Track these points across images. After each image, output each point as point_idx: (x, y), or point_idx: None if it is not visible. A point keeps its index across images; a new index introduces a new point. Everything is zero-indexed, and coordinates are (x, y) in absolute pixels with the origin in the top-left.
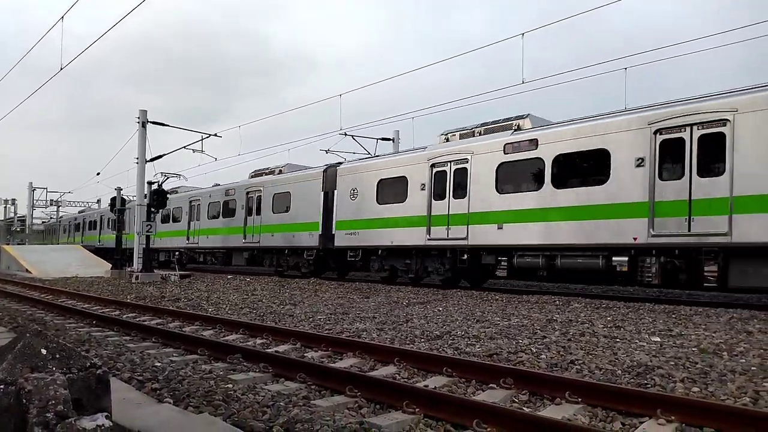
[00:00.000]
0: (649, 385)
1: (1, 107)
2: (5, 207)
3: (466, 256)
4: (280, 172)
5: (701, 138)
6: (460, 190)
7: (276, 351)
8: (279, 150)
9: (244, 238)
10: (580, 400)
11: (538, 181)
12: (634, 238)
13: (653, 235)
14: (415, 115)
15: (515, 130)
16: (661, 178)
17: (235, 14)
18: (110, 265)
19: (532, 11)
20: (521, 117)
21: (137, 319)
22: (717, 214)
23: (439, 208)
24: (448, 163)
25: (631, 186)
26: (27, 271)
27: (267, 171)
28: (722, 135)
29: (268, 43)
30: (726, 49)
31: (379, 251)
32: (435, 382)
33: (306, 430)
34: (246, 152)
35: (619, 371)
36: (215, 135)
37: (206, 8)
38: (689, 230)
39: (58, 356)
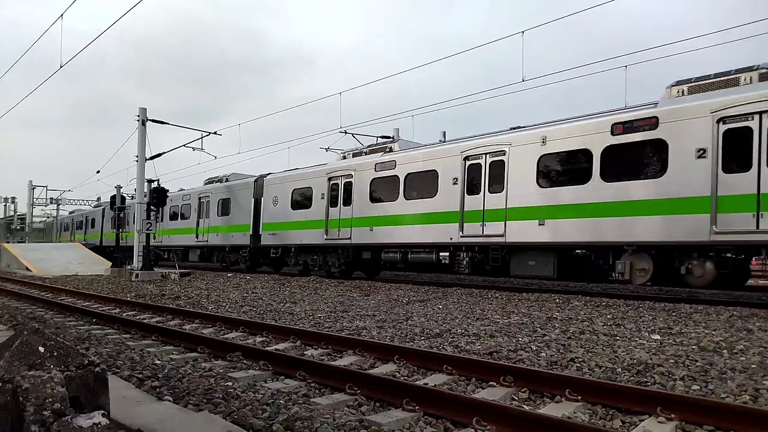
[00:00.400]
0: (649, 383)
1: (0, 105)
2: (5, 205)
3: (352, 253)
4: (227, 180)
5: (491, 164)
6: (347, 199)
7: (276, 349)
8: (279, 148)
9: (197, 238)
10: (580, 398)
11: (395, 194)
12: (450, 238)
13: (462, 236)
14: (415, 113)
15: (386, 152)
16: (468, 193)
17: (234, 13)
18: (110, 263)
19: (532, 9)
20: (393, 141)
21: (137, 317)
22: (498, 221)
23: (333, 213)
24: (340, 177)
25: (450, 198)
26: (27, 269)
27: (216, 179)
28: (503, 162)
29: (266, 41)
30: (728, 47)
31: (293, 249)
32: (435, 380)
33: (306, 428)
34: (246, 150)
35: (619, 369)
36: (215, 133)
37: (205, 6)
38: (482, 233)
39: (56, 354)
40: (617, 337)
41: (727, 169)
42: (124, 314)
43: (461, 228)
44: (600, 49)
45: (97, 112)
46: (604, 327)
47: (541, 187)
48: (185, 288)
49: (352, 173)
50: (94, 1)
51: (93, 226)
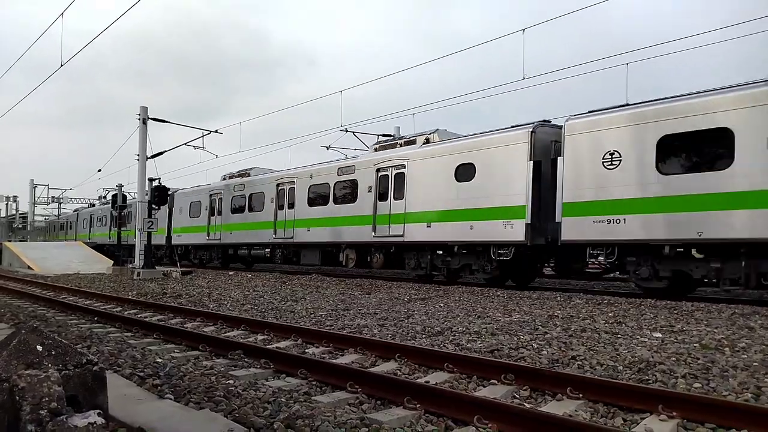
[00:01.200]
0: (650, 381)
1: (1, 105)
2: (7, 204)
3: (223, 250)
4: None
5: (289, 189)
6: (220, 211)
7: (277, 347)
8: (280, 147)
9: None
10: (581, 396)
11: (244, 208)
12: (269, 239)
13: (274, 238)
14: (415, 112)
15: (244, 177)
16: (278, 209)
17: (234, 11)
18: (112, 262)
19: (533, 9)
20: (250, 168)
21: (139, 316)
22: (291, 228)
23: (212, 221)
24: (218, 194)
25: (269, 213)
26: (29, 267)
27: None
28: (294, 188)
29: (266, 40)
30: (728, 45)
31: (190, 247)
32: (436, 378)
33: (307, 426)
34: (247, 149)
35: (621, 367)
36: (216, 131)
37: (205, 5)
38: (284, 236)
39: (54, 353)
40: (619, 335)
41: (380, 199)
42: (126, 313)
43: (275, 233)
44: (602, 47)
45: (98, 110)
46: (606, 325)
47: (309, 206)
48: (187, 286)
49: (222, 192)
50: (94, 0)
51: (71, 228)
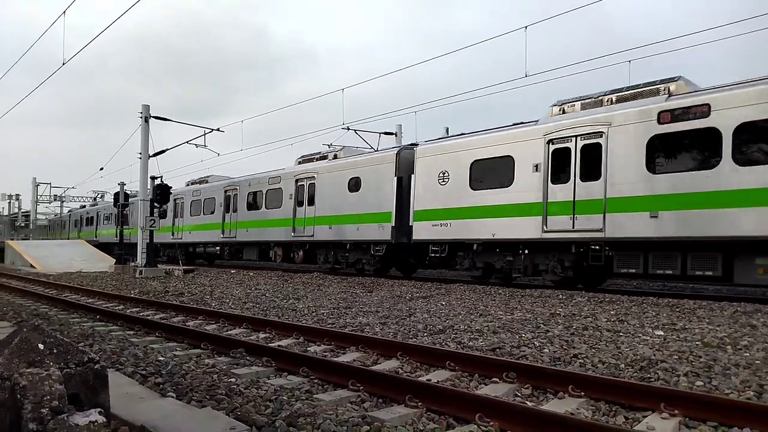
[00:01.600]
0: (652, 379)
1: (4, 104)
2: (9, 202)
3: (187, 248)
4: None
5: (233, 195)
6: (182, 213)
7: (279, 345)
8: (282, 145)
9: (116, 237)
10: (583, 394)
11: (201, 211)
12: (218, 238)
13: (223, 237)
14: (417, 110)
15: (201, 183)
16: (225, 211)
17: (234, 9)
18: (114, 260)
19: (533, 6)
20: (209, 176)
21: (141, 314)
22: (235, 228)
23: (176, 222)
24: (180, 198)
25: (219, 216)
26: (31, 266)
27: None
28: (236, 195)
29: (267, 38)
30: (728, 43)
31: (158, 245)
32: (438, 376)
33: (309, 424)
34: (248, 147)
35: (623, 365)
36: (218, 130)
37: (205, 4)
38: (230, 236)
39: (55, 351)
40: (620, 333)
41: (298, 205)
42: (128, 311)
43: (223, 233)
44: (604, 45)
45: (100, 109)
46: (608, 323)
47: (248, 210)
48: (189, 285)
49: (184, 196)
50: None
51: (65, 227)
